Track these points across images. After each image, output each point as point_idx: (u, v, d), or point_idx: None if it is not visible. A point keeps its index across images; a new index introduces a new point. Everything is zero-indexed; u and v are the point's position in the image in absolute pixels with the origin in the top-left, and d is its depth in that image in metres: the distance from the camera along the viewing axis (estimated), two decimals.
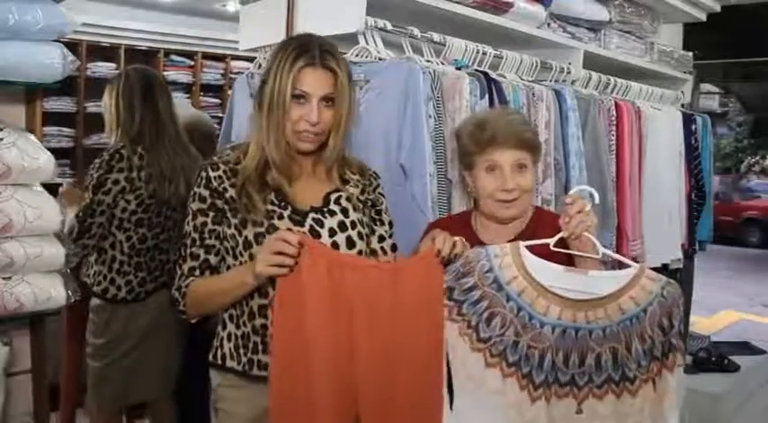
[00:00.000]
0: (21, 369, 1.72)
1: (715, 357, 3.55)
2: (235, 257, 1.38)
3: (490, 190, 1.51)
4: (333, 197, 1.43)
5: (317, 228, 1.39)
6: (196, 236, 1.37)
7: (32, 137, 1.55)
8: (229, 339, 1.41)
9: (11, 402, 1.66)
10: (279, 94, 1.32)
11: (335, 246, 1.39)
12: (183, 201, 2.19)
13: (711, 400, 3.22)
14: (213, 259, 1.39)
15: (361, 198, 1.48)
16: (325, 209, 1.41)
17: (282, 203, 1.38)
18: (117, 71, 4.96)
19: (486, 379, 1.30)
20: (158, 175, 2.13)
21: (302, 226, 1.37)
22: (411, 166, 1.78)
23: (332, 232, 1.40)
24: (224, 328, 1.42)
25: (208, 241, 1.38)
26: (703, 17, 3.44)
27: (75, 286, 1.64)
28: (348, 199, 1.45)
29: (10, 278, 1.50)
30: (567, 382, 1.28)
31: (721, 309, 5.94)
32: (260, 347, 1.37)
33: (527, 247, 1.32)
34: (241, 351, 1.39)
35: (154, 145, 2.15)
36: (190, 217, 1.39)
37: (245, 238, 1.35)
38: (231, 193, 1.37)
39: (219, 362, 1.41)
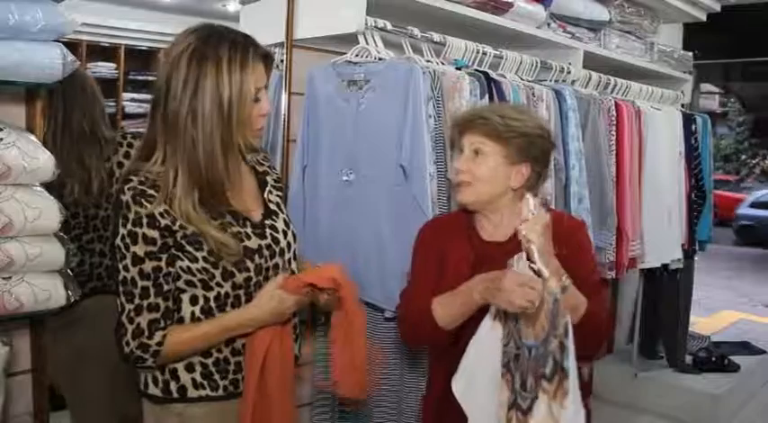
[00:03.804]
0: (21, 369, 1.72)
1: (715, 357, 3.55)
2: (209, 288, 1.28)
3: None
4: (266, 195, 1.40)
5: (275, 233, 1.36)
6: (148, 284, 1.23)
7: (32, 137, 1.54)
8: (190, 370, 1.31)
9: (11, 402, 1.66)
10: (242, 93, 1.24)
11: (289, 245, 1.39)
12: (105, 196, 2.00)
13: (711, 400, 3.22)
14: (171, 304, 1.27)
15: (275, 179, 1.46)
16: (270, 209, 1.39)
17: (241, 221, 1.31)
18: (117, 71, 4.97)
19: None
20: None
21: (264, 238, 1.33)
22: (411, 166, 1.78)
23: (284, 233, 1.38)
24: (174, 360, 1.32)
25: (166, 287, 1.25)
26: (703, 17, 3.44)
27: (76, 286, 1.63)
28: (272, 187, 1.43)
29: (10, 278, 1.50)
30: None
31: (721, 309, 5.93)
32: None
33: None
34: (217, 376, 1.32)
35: (55, 143, 1.95)
36: (130, 261, 1.22)
37: (225, 268, 1.27)
38: (192, 228, 1.24)
39: (177, 395, 1.31)
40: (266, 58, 1.30)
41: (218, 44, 1.24)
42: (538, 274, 1.27)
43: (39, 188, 1.53)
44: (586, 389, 3.74)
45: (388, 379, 1.93)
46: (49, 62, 1.50)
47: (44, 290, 1.54)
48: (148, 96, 5.63)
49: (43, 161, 1.49)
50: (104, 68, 4.77)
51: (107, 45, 4.80)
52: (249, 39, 1.28)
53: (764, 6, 4.16)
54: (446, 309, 1.46)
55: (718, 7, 3.46)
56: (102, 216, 2.05)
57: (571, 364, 1.18)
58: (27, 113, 1.71)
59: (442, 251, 1.53)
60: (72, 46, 2.85)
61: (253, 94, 1.26)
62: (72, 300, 1.61)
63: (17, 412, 1.72)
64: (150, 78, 5.29)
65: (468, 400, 1.33)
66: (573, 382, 1.18)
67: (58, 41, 1.53)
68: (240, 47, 1.25)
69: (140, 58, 5.16)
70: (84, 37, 4.50)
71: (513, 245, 1.45)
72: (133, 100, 5.14)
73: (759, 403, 3.59)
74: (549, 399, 1.19)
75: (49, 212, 1.51)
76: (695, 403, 3.24)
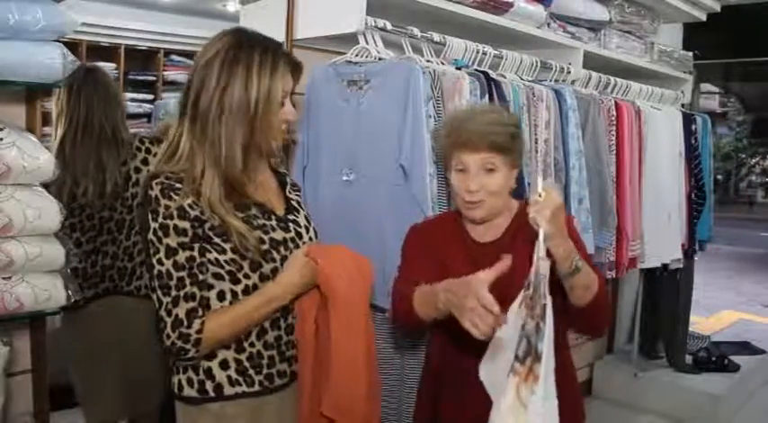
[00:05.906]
0: (21, 369, 1.72)
1: (715, 357, 3.55)
2: (236, 281, 1.29)
3: (457, 189, 1.50)
4: (287, 193, 1.43)
5: (298, 228, 1.38)
6: (183, 274, 1.23)
7: (32, 137, 1.55)
8: (224, 367, 1.31)
9: (11, 402, 1.66)
10: (270, 97, 1.29)
11: (311, 240, 1.40)
12: (120, 199, 2.02)
13: (711, 400, 3.22)
14: (206, 294, 1.28)
15: (292, 182, 1.48)
16: (292, 205, 1.41)
17: (266, 214, 1.34)
18: (117, 71, 4.97)
19: None
20: (71, 175, 1.96)
21: (288, 231, 1.35)
22: (411, 166, 1.78)
23: (306, 228, 1.40)
24: (208, 358, 1.31)
25: (201, 277, 1.26)
26: (703, 17, 3.44)
27: (76, 286, 1.63)
28: (291, 188, 1.45)
29: (10, 278, 1.50)
30: None
31: (721, 309, 5.93)
32: (277, 358, 1.35)
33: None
34: (251, 372, 1.32)
35: (74, 142, 1.99)
36: (163, 254, 1.23)
37: (252, 259, 1.28)
38: (218, 220, 1.26)
39: (213, 394, 1.31)
40: (296, 66, 1.34)
41: (252, 48, 1.28)
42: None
43: (39, 188, 1.53)
44: (585, 388, 3.75)
45: (388, 379, 1.93)
46: (49, 62, 1.50)
47: (44, 290, 1.54)
48: (148, 96, 5.68)
49: (43, 161, 1.50)
50: (104, 68, 4.77)
51: (107, 45, 4.80)
52: (281, 47, 1.33)
53: (764, 6, 4.16)
54: (420, 304, 1.46)
55: (718, 7, 3.46)
56: (116, 219, 2.06)
57: (545, 348, 1.11)
58: (27, 113, 1.72)
59: (440, 257, 1.52)
60: (72, 46, 2.86)
61: (280, 100, 1.30)
62: (72, 300, 1.61)
63: (17, 412, 1.73)
64: (150, 78, 5.31)
65: (492, 383, 1.29)
66: (546, 368, 1.11)
67: (58, 41, 1.54)
68: (272, 53, 1.29)
69: (140, 58, 5.17)
70: (84, 37, 4.51)
71: (506, 241, 1.49)
72: (133, 100, 5.14)
73: (759, 403, 3.59)
74: (518, 381, 1.11)
75: (49, 212, 1.52)
76: (695, 403, 3.25)
